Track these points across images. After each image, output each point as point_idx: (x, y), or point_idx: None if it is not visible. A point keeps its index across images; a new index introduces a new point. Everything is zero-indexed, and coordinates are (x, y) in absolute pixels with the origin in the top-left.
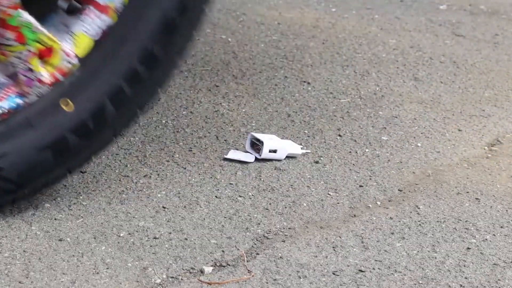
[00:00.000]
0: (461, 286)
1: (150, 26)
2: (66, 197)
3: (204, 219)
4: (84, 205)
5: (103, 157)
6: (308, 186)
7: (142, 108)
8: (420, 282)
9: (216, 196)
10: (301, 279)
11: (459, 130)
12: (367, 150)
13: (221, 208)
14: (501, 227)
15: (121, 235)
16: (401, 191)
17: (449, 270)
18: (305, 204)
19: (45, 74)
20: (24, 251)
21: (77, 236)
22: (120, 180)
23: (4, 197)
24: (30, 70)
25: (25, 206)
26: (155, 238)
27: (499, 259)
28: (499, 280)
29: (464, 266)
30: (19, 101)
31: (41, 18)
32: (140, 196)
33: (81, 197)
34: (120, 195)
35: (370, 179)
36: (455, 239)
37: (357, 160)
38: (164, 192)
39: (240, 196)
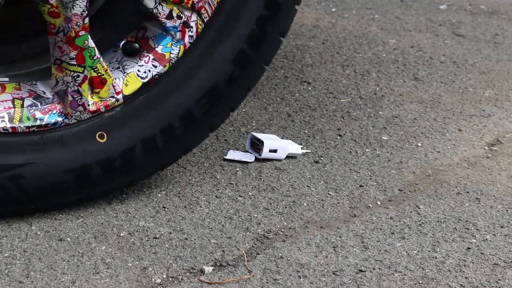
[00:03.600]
0: (461, 286)
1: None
2: None
3: (204, 219)
4: (84, 205)
5: None
6: (308, 186)
7: (168, 163)
8: (420, 282)
9: (216, 196)
10: (301, 279)
11: (459, 130)
12: (367, 150)
13: (221, 208)
14: (501, 227)
15: (121, 235)
16: (401, 191)
17: (449, 270)
18: (305, 204)
19: (91, 102)
20: (24, 251)
21: (77, 236)
22: None
23: (10, 207)
24: (79, 93)
25: None
26: (155, 238)
27: (499, 259)
28: (499, 280)
29: (464, 266)
30: (59, 119)
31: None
32: (140, 196)
33: None
34: (120, 195)
35: (370, 179)
36: (455, 239)
37: (357, 160)
38: (164, 192)
39: (240, 196)
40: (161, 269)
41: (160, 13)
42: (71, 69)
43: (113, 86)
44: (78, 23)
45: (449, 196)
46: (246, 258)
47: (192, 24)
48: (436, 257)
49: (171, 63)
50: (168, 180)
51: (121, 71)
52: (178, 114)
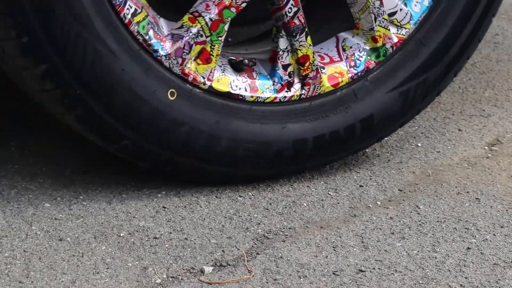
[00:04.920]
0: (461, 286)
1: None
2: (66, 197)
3: (204, 219)
4: (84, 205)
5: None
6: (308, 186)
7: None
8: (420, 282)
9: (216, 196)
10: (301, 279)
11: (459, 130)
12: (367, 150)
13: (221, 208)
14: (501, 227)
15: (121, 235)
16: (401, 191)
17: (449, 270)
18: (305, 204)
19: (189, 65)
20: (24, 251)
21: (77, 236)
22: (120, 180)
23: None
24: (190, 49)
25: (25, 206)
26: (155, 238)
27: (499, 259)
28: (499, 280)
29: (464, 266)
30: (161, 51)
31: None
32: (140, 196)
33: (81, 197)
34: (120, 195)
35: (370, 179)
36: (455, 239)
37: (357, 160)
38: (164, 192)
39: (240, 196)
40: (161, 269)
41: (282, 58)
42: (202, 26)
43: (211, 71)
44: (237, 0)
45: (449, 196)
46: (246, 258)
47: (293, 89)
48: (436, 257)
49: (256, 100)
50: (168, 180)
51: (222, 70)
52: (227, 135)
